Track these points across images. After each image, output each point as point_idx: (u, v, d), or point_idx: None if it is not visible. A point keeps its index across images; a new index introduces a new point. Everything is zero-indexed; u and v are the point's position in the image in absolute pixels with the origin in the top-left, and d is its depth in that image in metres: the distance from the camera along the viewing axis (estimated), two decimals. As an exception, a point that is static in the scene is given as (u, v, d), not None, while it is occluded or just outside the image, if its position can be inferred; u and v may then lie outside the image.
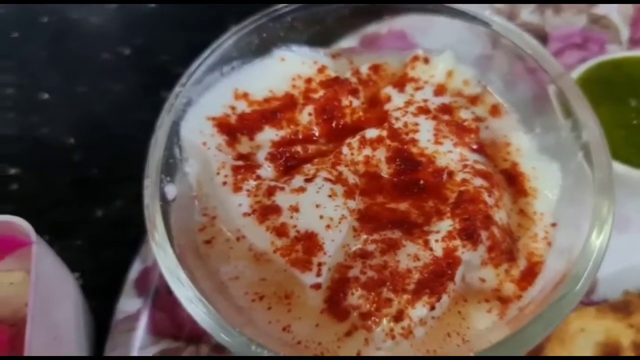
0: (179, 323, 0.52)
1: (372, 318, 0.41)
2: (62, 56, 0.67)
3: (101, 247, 0.54)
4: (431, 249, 0.42)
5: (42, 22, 0.68)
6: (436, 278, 0.41)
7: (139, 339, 0.50)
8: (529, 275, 0.43)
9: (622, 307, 0.49)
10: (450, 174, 0.45)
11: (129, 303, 0.51)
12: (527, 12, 0.60)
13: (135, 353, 0.50)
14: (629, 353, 0.47)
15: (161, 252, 0.40)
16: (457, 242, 0.41)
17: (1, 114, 0.62)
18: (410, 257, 0.42)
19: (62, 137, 0.63)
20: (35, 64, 0.67)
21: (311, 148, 0.47)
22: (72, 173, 0.61)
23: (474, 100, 0.50)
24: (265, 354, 0.37)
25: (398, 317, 0.41)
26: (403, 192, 0.45)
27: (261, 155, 0.46)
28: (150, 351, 0.50)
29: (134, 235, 0.55)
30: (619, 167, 0.52)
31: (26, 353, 0.39)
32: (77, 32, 0.68)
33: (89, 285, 0.53)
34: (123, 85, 0.65)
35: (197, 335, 0.52)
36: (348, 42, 0.55)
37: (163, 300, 0.52)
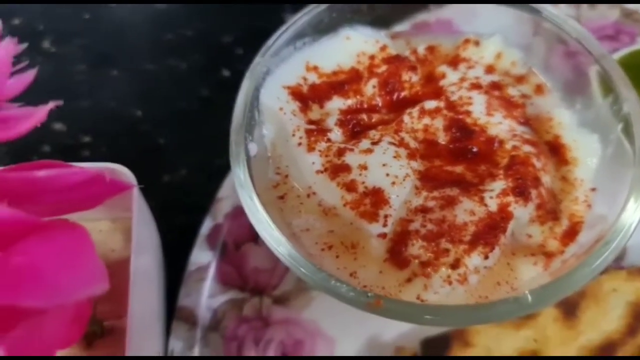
0: (244, 276, 0.57)
1: (431, 266, 0.46)
2: (129, 37, 0.73)
3: (168, 209, 0.58)
4: (486, 205, 0.47)
5: (111, 7, 0.74)
6: (490, 231, 0.46)
7: (209, 288, 0.55)
8: (571, 233, 0.48)
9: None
10: (501, 142, 0.50)
11: (200, 255, 0.56)
12: (564, 6, 0.65)
13: (204, 300, 0.55)
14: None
15: (247, 199, 0.45)
16: (510, 198, 0.46)
17: (74, 88, 0.67)
18: (467, 212, 0.47)
19: (130, 109, 0.68)
20: (104, 43, 0.72)
21: (375, 117, 0.52)
22: (140, 142, 0.66)
23: (520, 79, 0.55)
24: (344, 288, 0.42)
25: (455, 265, 0.45)
26: (458, 157, 0.50)
27: (331, 121, 0.51)
28: (219, 300, 0.55)
29: (197, 200, 0.61)
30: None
31: (131, 289, 0.44)
32: (143, 15, 0.73)
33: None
34: (186, 63, 0.71)
35: (261, 287, 0.57)
36: (402, 27, 0.60)
37: (231, 255, 0.57)
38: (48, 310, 0.33)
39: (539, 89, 0.54)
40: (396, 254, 0.47)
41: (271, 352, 0.55)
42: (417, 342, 0.52)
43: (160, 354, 0.53)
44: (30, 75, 0.38)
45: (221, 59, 0.70)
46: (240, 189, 0.45)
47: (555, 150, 0.52)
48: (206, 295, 0.55)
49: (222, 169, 0.61)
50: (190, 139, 0.66)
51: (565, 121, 0.53)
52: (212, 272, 0.56)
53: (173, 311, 0.54)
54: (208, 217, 0.57)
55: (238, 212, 0.58)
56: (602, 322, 0.52)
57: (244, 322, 0.55)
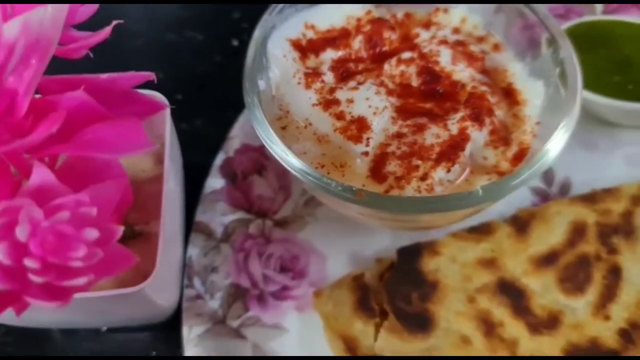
0: (250, 201, 0.67)
1: (404, 179, 0.57)
2: (154, 12, 0.85)
3: (185, 149, 0.68)
4: (449, 130, 0.58)
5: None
6: (452, 150, 0.57)
7: (221, 209, 0.66)
8: (519, 156, 0.59)
9: (589, 198, 0.65)
10: (463, 85, 0.61)
11: (214, 182, 0.67)
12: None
13: (218, 218, 0.65)
14: (592, 229, 0.63)
15: (258, 121, 0.56)
16: (468, 123, 0.57)
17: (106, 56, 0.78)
18: (433, 135, 0.58)
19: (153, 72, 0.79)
20: (130, 17, 0.83)
21: (360, 66, 0.64)
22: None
23: (480, 39, 0.66)
24: (334, 183, 0.53)
25: (423, 177, 0.56)
26: (427, 97, 0.61)
27: (324, 68, 0.63)
28: (229, 218, 0.66)
29: (211, 142, 0.71)
30: (589, 96, 0.68)
31: (164, 204, 0.54)
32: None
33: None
34: (203, 35, 0.82)
35: (264, 212, 0.67)
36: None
37: (239, 183, 0.68)
38: (109, 172, 0.44)
39: (496, 47, 0.66)
40: (376, 171, 0.58)
41: (272, 264, 0.65)
42: (393, 252, 0.63)
43: (181, 259, 0.63)
44: (94, 6, 0.49)
45: (231, 31, 0.82)
46: (252, 112, 0.56)
47: (509, 94, 0.63)
48: (219, 213, 0.65)
49: (232, 119, 0.72)
50: (205, 95, 0.78)
51: (517, 72, 0.64)
52: (223, 195, 0.66)
53: (191, 225, 0.65)
54: (221, 151, 0.68)
55: (246, 148, 0.69)
56: (548, 237, 0.63)
57: (250, 238, 0.66)
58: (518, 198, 0.67)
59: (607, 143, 0.72)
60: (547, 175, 0.70)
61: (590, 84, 0.68)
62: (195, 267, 0.62)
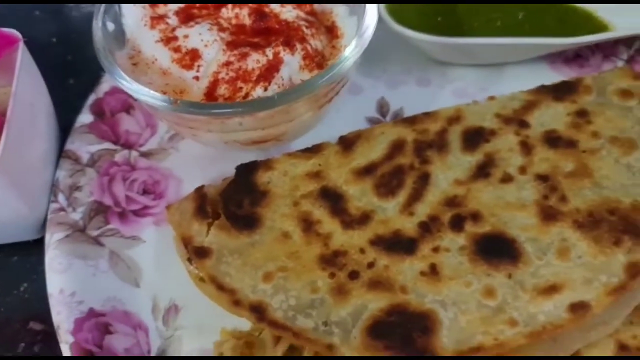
0: (117, 135, 0.77)
1: (230, 100, 0.66)
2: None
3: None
4: (266, 55, 0.67)
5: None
6: (268, 72, 0.67)
7: (89, 139, 0.76)
8: (332, 78, 0.69)
9: (410, 120, 0.74)
10: (287, 23, 0.71)
11: (85, 117, 0.77)
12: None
13: (85, 147, 0.75)
14: (410, 145, 0.72)
15: (107, 60, 0.66)
16: (280, 48, 0.67)
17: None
18: (254, 61, 0.67)
19: (49, 38, 0.90)
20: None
21: (204, 12, 0.74)
22: (54, 58, 0.88)
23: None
24: (158, 96, 0.62)
25: (245, 97, 0.66)
26: (257, 33, 0.71)
27: (170, 13, 0.73)
28: (96, 147, 0.75)
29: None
30: (417, 35, 0.78)
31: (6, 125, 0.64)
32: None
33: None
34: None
35: (130, 144, 0.77)
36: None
37: (107, 120, 0.77)
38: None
39: (326, -4, 0.76)
40: (209, 95, 0.68)
41: (135, 188, 0.74)
42: (232, 170, 0.72)
43: (50, 181, 0.72)
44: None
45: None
46: (103, 58, 0.67)
47: (331, 30, 0.73)
48: (86, 143, 0.75)
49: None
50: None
51: (340, 12, 0.74)
52: (92, 129, 0.76)
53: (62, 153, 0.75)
54: (92, 94, 0.78)
55: (115, 91, 0.78)
56: (370, 152, 0.72)
57: (115, 165, 0.75)
58: (355, 128, 0.76)
59: (439, 79, 0.82)
60: (383, 107, 0.80)
61: (417, 25, 0.78)
62: (60, 186, 0.72)
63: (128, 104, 0.78)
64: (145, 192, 0.74)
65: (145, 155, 0.77)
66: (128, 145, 0.77)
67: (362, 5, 0.70)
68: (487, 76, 0.82)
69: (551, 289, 0.60)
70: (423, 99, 0.80)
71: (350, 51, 0.65)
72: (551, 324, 0.58)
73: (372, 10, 0.69)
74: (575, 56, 0.84)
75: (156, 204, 0.74)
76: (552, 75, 0.81)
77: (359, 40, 0.66)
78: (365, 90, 0.81)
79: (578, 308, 0.59)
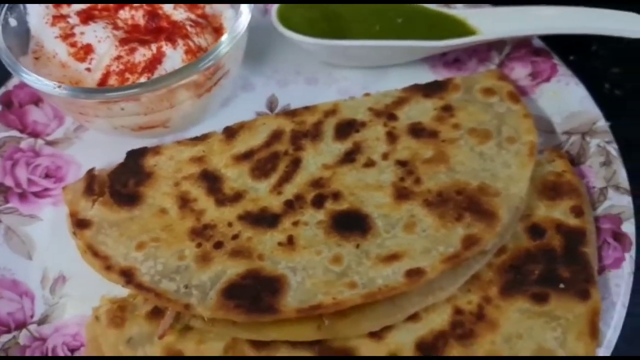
0: (25, 124, 0.84)
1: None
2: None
3: None
4: (151, 50, 0.75)
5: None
6: (151, 64, 0.75)
7: (-2, 127, 0.83)
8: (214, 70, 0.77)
9: (291, 113, 0.81)
10: (176, 23, 0.79)
11: (-6, 109, 0.84)
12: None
13: (-7, 133, 0.82)
14: (287, 135, 0.79)
15: (8, 57, 0.74)
16: (162, 42, 0.75)
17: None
18: (141, 55, 0.75)
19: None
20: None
21: (104, 13, 0.82)
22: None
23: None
24: (66, 92, 0.70)
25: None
26: (149, 32, 0.79)
27: (72, 13, 0.81)
28: (2, 134, 0.82)
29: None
30: (303, 39, 0.86)
31: None
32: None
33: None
34: None
35: (36, 133, 0.84)
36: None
37: (15, 110, 0.84)
38: None
39: None
40: (101, 84, 0.75)
41: (38, 172, 0.81)
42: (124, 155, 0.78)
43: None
44: None
45: None
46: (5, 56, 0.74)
47: (218, 30, 0.81)
48: (-6, 131, 0.82)
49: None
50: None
51: (228, 15, 0.83)
52: (2, 117, 0.83)
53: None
54: (3, 87, 0.85)
55: (24, 85, 0.85)
56: (250, 140, 0.79)
57: (20, 151, 0.82)
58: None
59: (326, 79, 0.90)
60: (272, 103, 0.87)
61: (305, 30, 0.86)
62: (-43, 167, 0.79)
63: (37, 97, 0.85)
64: (47, 176, 0.81)
65: (50, 143, 0.83)
66: (35, 134, 0.84)
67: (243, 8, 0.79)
68: (371, 77, 0.90)
69: (392, 257, 0.66)
70: (309, 96, 0.87)
71: (223, 40, 0.73)
72: (387, 287, 0.64)
73: (245, 8, 0.77)
74: (454, 60, 0.92)
75: (56, 186, 0.80)
76: (431, 77, 0.88)
77: (232, 32, 0.74)
78: (257, 88, 0.89)
79: (414, 274, 0.65)
